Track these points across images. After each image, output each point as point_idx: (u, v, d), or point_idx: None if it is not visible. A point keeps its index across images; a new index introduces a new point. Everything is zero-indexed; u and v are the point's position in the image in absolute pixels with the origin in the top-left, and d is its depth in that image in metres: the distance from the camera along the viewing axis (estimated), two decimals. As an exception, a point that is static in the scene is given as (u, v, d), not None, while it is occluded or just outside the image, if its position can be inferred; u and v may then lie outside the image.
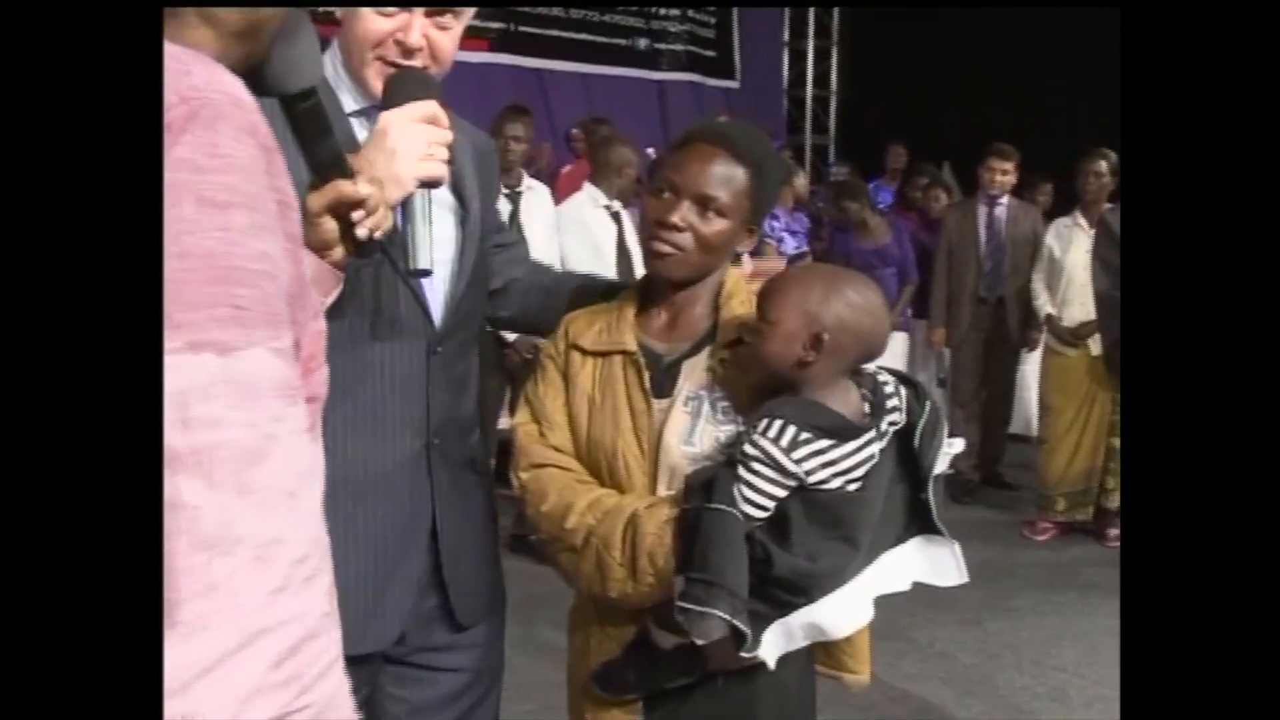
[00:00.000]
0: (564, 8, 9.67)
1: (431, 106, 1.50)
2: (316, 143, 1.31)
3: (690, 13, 10.70)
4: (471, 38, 8.47)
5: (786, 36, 12.03)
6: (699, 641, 1.55)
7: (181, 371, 0.79)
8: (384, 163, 1.44)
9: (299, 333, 0.90)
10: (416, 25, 1.57)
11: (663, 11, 10.49)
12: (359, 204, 1.35)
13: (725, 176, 1.67)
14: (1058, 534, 5.49)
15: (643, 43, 10.35)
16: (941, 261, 6.13)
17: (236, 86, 0.87)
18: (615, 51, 10.11)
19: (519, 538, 4.89)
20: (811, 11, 11.87)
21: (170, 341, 0.78)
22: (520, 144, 5.23)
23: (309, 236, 1.30)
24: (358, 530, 1.62)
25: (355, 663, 1.53)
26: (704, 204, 1.66)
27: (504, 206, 4.68)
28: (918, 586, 1.76)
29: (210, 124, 0.82)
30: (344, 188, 1.34)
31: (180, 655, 0.79)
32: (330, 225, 1.36)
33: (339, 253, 1.40)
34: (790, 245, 5.88)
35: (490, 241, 1.82)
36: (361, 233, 1.37)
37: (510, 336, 4.75)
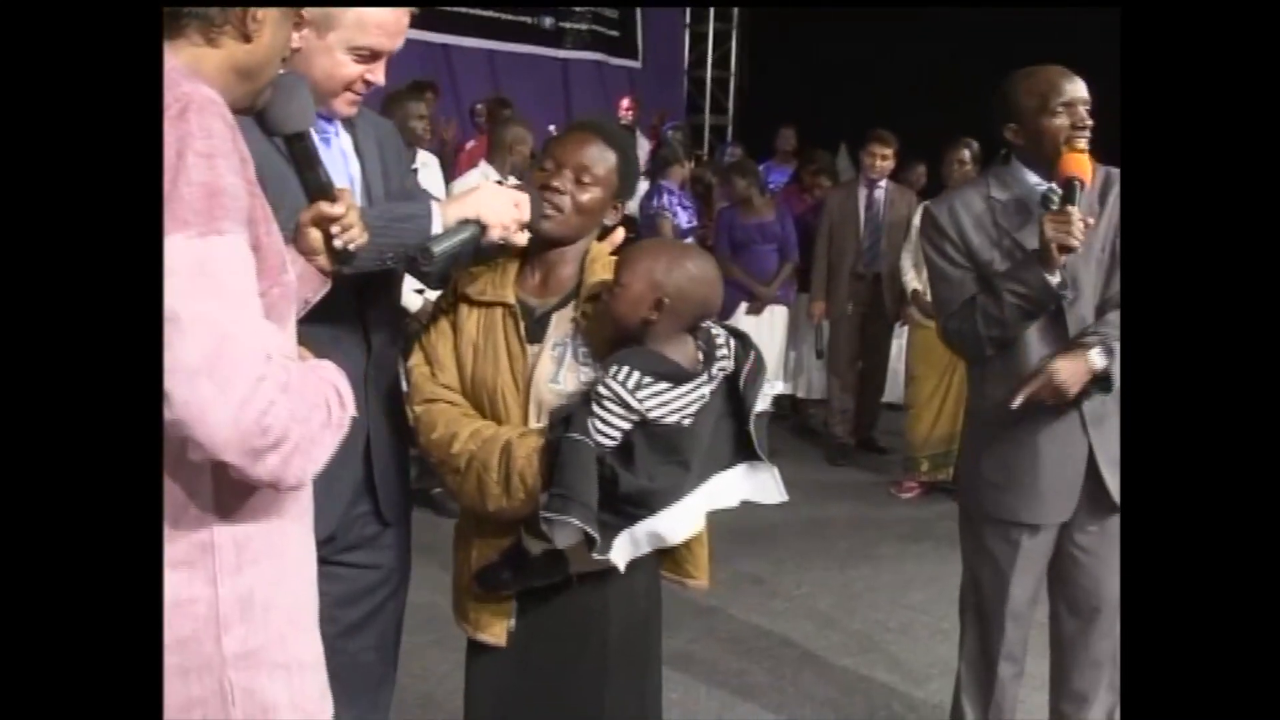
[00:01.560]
0: (471, -15, 9.87)
1: (524, 199, 1.97)
2: (307, 172, 1.74)
3: (595, -7, 10.97)
4: (379, 13, 8.68)
5: (688, 19, 12.35)
6: (560, 545, 1.89)
7: (195, 248, 1.27)
8: (471, 200, 1.93)
9: (254, 234, 1.37)
10: (381, 67, 1.96)
11: (568, -9, 10.74)
12: (335, 220, 1.72)
13: (598, 155, 2.05)
14: (922, 493, 5.93)
15: (548, 21, 10.60)
16: (823, 239, 6.53)
17: (211, 91, 1.33)
18: (521, 29, 10.33)
19: (421, 491, 5.20)
20: (713, -5, 12.21)
21: (186, 231, 1.27)
22: (420, 121, 5.49)
23: (300, 243, 1.73)
24: None
25: None
26: (580, 174, 2.03)
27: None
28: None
29: (200, 111, 1.30)
30: (324, 207, 1.72)
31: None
32: (315, 235, 1.73)
33: (323, 259, 1.75)
34: (684, 219, 6.23)
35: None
36: (337, 243, 1.74)
37: (413, 307, 5.04)
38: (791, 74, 10.61)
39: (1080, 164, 2.44)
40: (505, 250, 2.19)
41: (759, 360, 2.04)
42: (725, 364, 2.01)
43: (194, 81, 1.33)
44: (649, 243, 2.30)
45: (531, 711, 2.11)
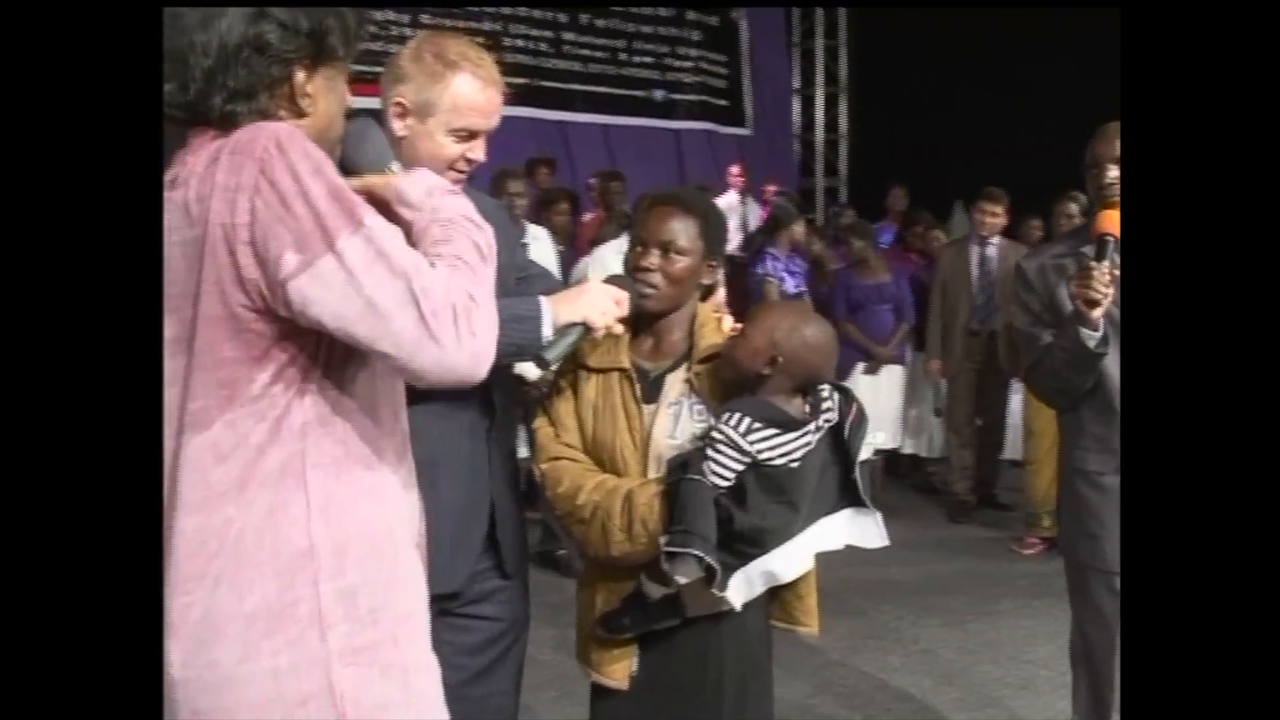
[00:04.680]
0: (583, 62, 10.22)
1: (624, 296, 2.12)
2: (392, 213, 1.80)
3: (703, 64, 11.23)
4: (496, 93, 9.08)
5: (797, 83, 12.54)
6: (680, 581, 2.04)
7: (357, 242, 1.43)
8: (578, 302, 2.09)
9: None
10: (480, 145, 2.15)
11: (677, 63, 11.02)
12: None
13: (680, 226, 2.20)
14: (1044, 549, 5.88)
15: (659, 94, 10.89)
16: (936, 297, 6.60)
17: (288, 126, 1.50)
18: (633, 103, 10.64)
19: (545, 554, 5.39)
20: (820, 59, 12.38)
21: (343, 234, 1.42)
22: (522, 199, 5.83)
23: None
24: (441, 499, 2.08)
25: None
26: (666, 249, 2.19)
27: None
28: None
29: (290, 140, 1.46)
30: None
31: None
32: None
33: None
34: (790, 285, 6.37)
35: (510, 279, 2.32)
36: None
37: (530, 376, 5.29)
38: (902, 133, 10.69)
39: (1111, 220, 2.55)
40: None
41: (861, 412, 2.17)
42: (830, 415, 2.14)
43: (270, 124, 1.49)
44: (779, 304, 2.46)
45: (653, 750, 2.23)
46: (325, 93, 1.58)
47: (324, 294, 1.42)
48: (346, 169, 1.75)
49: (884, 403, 6.76)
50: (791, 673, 4.29)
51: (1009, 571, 5.64)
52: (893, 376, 6.77)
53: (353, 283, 1.42)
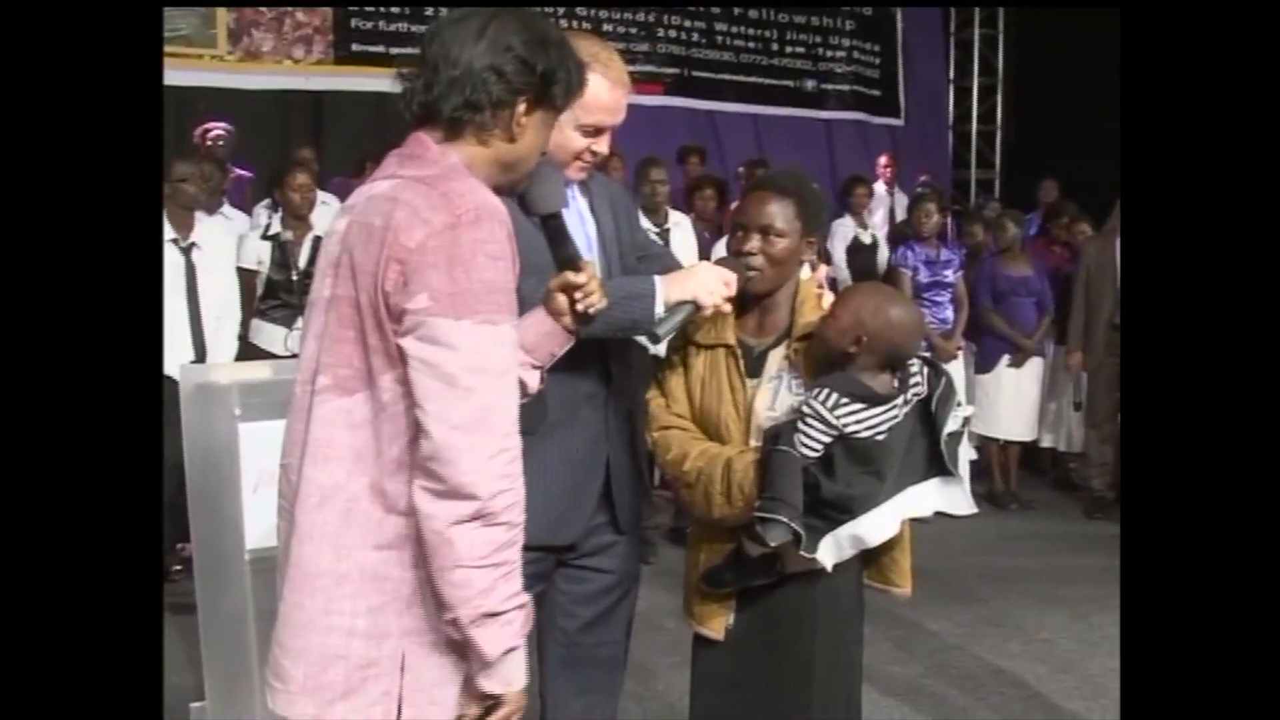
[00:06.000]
0: (734, 53, 10.35)
1: (733, 277, 2.29)
2: (558, 246, 2.12)
3: (856, 53, 11.21)
4: (647, 83, 9.37)
5: (952, 74, 12.39)
6: (772, 544, 2.21)
7: (478, 332, 1.62)
8: (689, 281, 2.26)
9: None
10: (605, 140, 2.34)
11: (829, 53, 11.04)
12: (579, 288, 2.02)
13: (777, 209, 2.36)
14: (1181, 547, 5.81)
15: (810, 84, 10.91)
16: (1080, 290, 6.53)
17: (497, 203, 1.70)
18: (783, 92, 10.69)
19: (677, 530, 5.61)
20: (976, 49, 12.22)
21: (473, 318, 1.62)
22: (664, 186, 6.01)
23: (549, 306, 2.05)
24: (559, 449, 2.31)
25: (545, 557, 2.33)
26: (765, 232, 2.35)
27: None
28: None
29: (490, 218, 1.66)
30: (570, 276, 2.03)
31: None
32: (562, 299, 2.03)
33: (568, 320, 2.04)
34: (925, 275, 6.40)
35: (630, 258, 2.51)
36: (579, 307, 2.04)
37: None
38: (1057, 125, 10.49)
39: None
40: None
41: (949, 385, 2.32)
42: (919, 389, 2.29)
43: (485, 192, 1.70)
44: (866, 285, 2.62)
45: (747, 698, 2.41)
46: (535, 129, 1.80)
47: (422, 347, 1.62)
48: (526, 205, 2.06)
49: (1024, 396, 6.77)
50: (908, 653, 4.41)
51: (1142, 568, 5.58)
52: (1033, 369, 6.76)
53: (452, 355, 1.61)
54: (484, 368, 1.63)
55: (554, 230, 2.12)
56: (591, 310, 2.06)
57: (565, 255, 2.11)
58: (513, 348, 1.70)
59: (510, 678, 1.71)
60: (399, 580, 1.70)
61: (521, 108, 1.77)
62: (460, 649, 1.72)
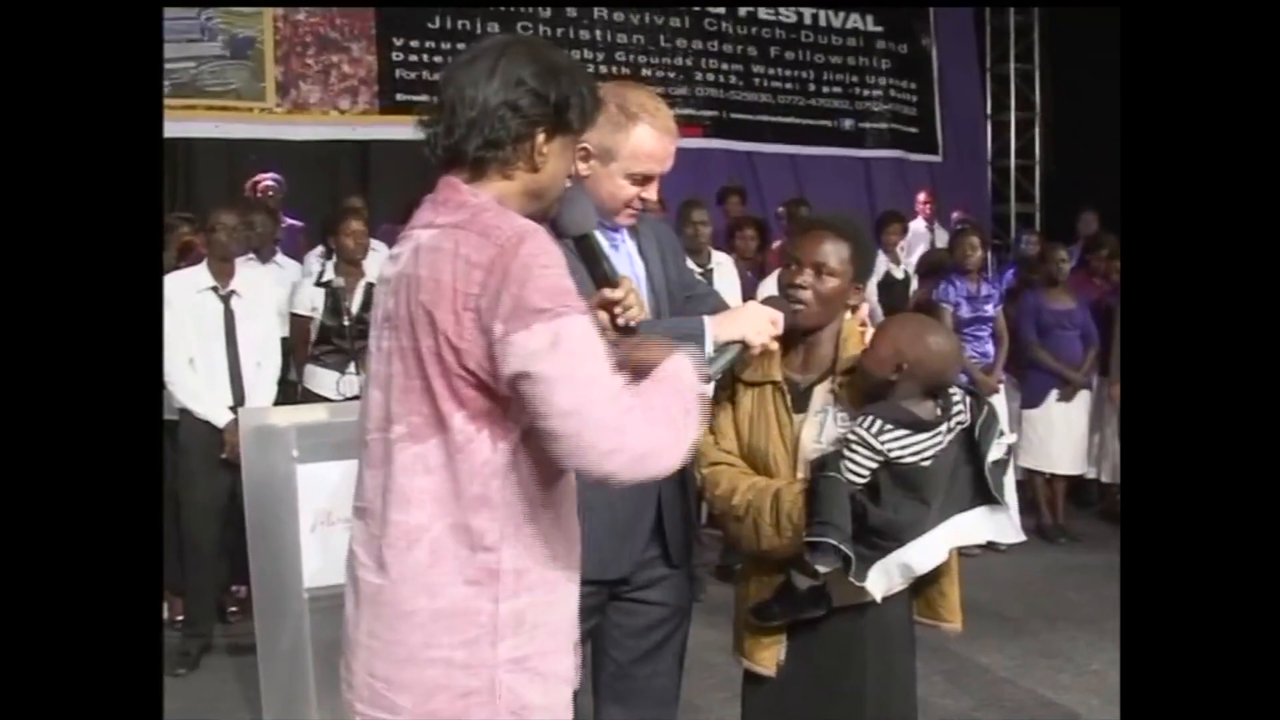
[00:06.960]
0: (771, 94, 10.45)
1: (779, 317, 2.35)
2: (594, 265, 2.18)
3: (893, 91, 11.27)
4: (687, 125, 9.44)
5: (989, 109, 12.40)
6: (820, 569, 2.26)
7: (550, 328, 1.67)
8: (737, 321, 2.34)
9: None
10: (654, 188, 2.41)
11: (866, 91, 11.12)
12: (617, 303, 2.12)
13: (832, 249, 2.42)
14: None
15: (848, 123, 10.99)
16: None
17: (534, 223, 1.78)
18: (821, 132, 10.77)
19: (724, 567, 5.64)
20: (1013, 83, 12.24)
21: (542, 318, 1.66)
22: (706, 227, 6.09)
23: None
24: (614, 493, 2.33)
25: (598, 590, 2.38)
26: (818, 270, 2.41)
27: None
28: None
29: (534, 236, 1.73)
30: (607, 293, 2.13)
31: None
32: (602, 316, 2.10)
33: (609, 336, 2.07)
34: (966, 310, 6.41)
35: (680, 296, 2.59)
36: (620, 321, 2.13)
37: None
38: (1096, 157, 10.47)
39: None
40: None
41: (992, 414, 2.37)
42: (961, 418, 2.34)
43: (518, 217, 1.77)
44: (901, 316, 2.69)
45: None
46: (557, 156, 1.86)
47: (512, 369, 1.68)
48: (557, 229, 2.12)
49: (1073, 428, 6.76)
50: (959, 687, 4.41)
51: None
52: (1081, 402, 6.76)
53: (536, 359, 1.66)
54: (567, 353, 1.67)
55: (587, 250, 2.18)
56: (632, 322, 2.13)
57: (601, 273, 2.17)
58: (590, 328, 1.74)
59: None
60: (490, 614, 1.77)
61: (541, 138, 1.82)
62: (550, 670, 1.83)
